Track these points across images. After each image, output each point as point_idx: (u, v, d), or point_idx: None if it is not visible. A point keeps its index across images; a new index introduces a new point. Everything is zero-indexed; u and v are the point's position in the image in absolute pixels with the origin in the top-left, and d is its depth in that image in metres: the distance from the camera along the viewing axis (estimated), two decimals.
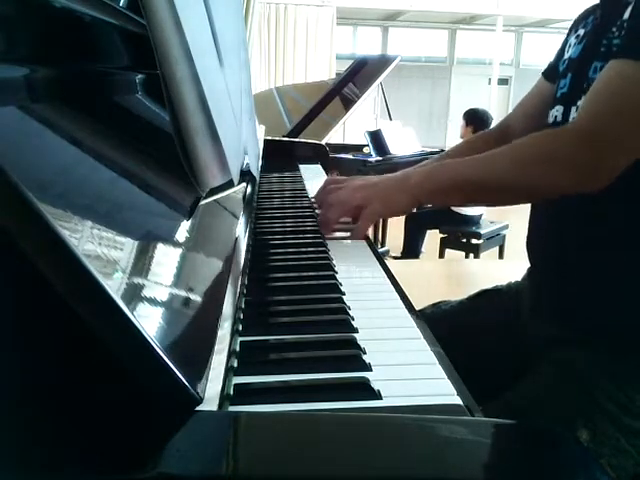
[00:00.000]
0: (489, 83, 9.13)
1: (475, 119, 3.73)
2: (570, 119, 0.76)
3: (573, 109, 0.76)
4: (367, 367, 0.43)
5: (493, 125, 1.10)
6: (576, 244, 0.76)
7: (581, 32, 0.81)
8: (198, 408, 0.29)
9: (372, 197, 0.77)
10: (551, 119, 0.81)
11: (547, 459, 0.28)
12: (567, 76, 0.79)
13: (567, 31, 0.87)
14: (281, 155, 1.61)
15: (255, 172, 0.94)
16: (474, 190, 0.74)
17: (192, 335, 0.34)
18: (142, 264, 0.33)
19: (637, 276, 0.72)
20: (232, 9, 0.70)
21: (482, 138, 1.02)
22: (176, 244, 0.40)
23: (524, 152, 0.71)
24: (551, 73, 0.90)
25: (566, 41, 0.85)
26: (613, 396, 0.67)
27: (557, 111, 0.80)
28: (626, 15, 0.68)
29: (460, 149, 1.02)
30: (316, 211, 0.91)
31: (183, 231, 0.43)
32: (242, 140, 0.71)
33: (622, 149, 0.65)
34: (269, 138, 1.67)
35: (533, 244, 0.86)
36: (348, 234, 0.81)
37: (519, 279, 0.94)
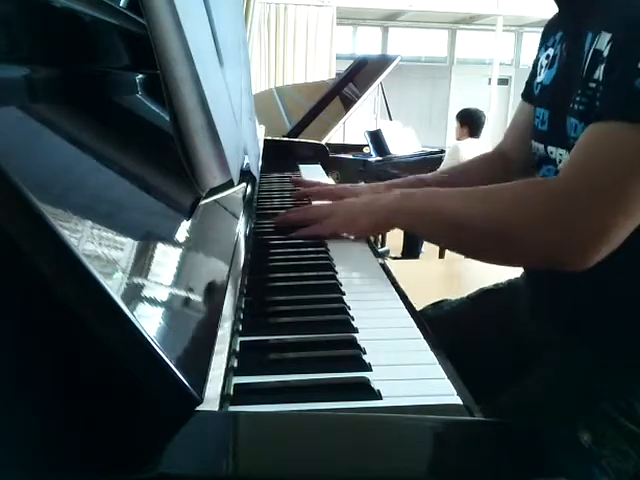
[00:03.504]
0: (489, 83, 9.11)
1: (468, 119, 3.71)
2: (550, 157, 0.75)
3: (550, 149, 0.75)
4: (367, 367, 0.43)
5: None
6: None
7: (550, 52, 0.80)
8: (198, 408, 0.29)
9: (336, 211, 0.78)
10: (534, 151, 0.81)
11: (547, 459, 0.28)
12: (543, 108, 0.78)
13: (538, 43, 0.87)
14: (281, 155, 1.61)
15: (255, 172, 0.94)
16: (441, 222, 0.69)
17: (192, 335, 0.34)
18: (142, 264, 0.33)
19: (636, 277, 0.71)
20: (232, 9, 0.70)
21: (484, 160, 1.02)
22: (176, 244, 0.40)
23: (499, 193, 0.68)
24: (529, 94, 0.89)
25: (538, 58, 0.85)
26: (613, 398, 0.67)
27: (537, 148, 0.79)
28: (598, 72, 0.63)
29: (461, 170, 1.03)
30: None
31: (183, 231, 0.43)
32: (242, 140, 0.71)
33: (611, 217, 0.58)
34: (269, 138, 1.67)
35: None
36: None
37: (519, 276, 0.94)
